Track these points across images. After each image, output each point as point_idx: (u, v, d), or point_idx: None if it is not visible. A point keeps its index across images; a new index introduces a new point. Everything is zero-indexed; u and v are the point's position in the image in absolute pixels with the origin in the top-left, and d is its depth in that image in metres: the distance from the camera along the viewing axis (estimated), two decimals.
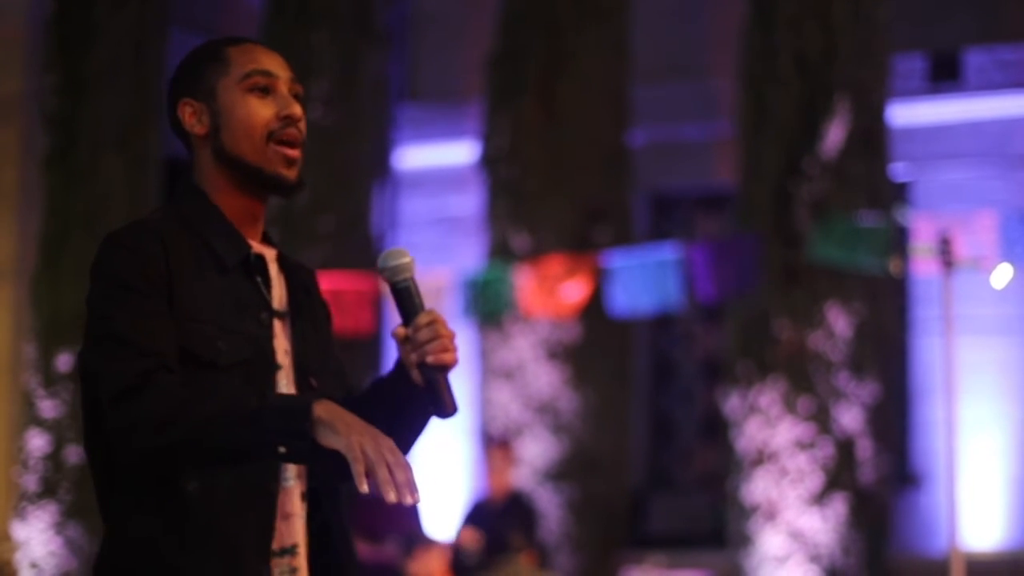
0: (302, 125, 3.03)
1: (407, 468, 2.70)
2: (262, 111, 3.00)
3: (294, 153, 3.01)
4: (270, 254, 3.06)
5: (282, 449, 2.74)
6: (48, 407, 12.33)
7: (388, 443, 2.72)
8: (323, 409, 2.74)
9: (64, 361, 12.31)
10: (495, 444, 11.08)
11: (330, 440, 2.72)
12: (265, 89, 3.02)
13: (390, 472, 2.68)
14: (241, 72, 3.02)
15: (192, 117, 3.03)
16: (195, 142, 3.04)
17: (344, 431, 2.71)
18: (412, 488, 2.69)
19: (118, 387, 2.78)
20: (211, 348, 2.89)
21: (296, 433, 2.73)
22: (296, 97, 3.05)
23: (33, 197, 12.73)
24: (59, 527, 12.24)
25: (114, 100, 12.63)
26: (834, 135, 11.34)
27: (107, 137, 12.58)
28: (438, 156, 14.55)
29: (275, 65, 3.05)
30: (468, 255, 13.23)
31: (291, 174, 3.01)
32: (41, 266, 12.54)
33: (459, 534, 10.54)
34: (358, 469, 2.68)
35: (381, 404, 3.01)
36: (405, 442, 3.04)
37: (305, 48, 12.81)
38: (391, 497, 2.67)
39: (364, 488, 2.67)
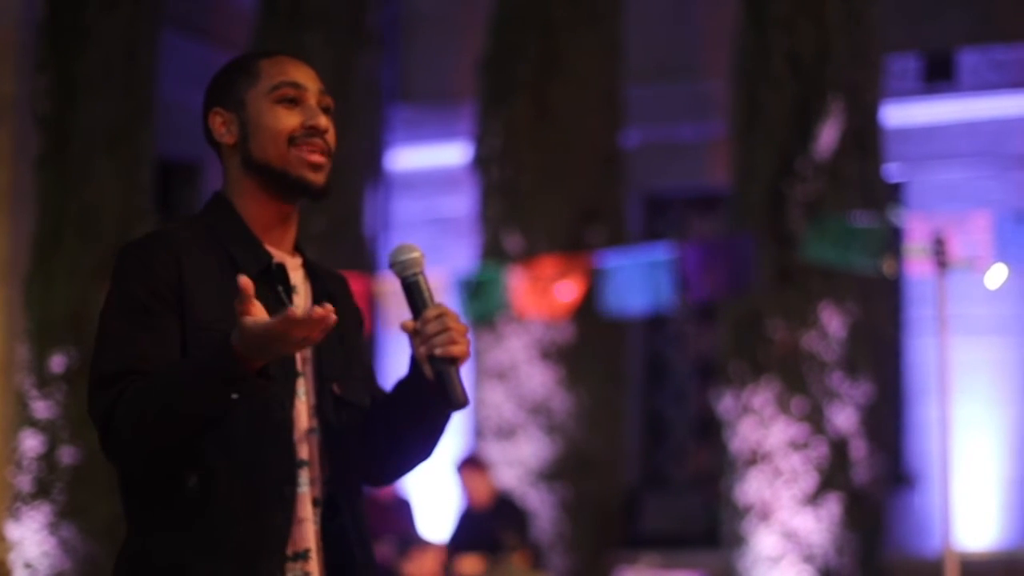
0: (329, 137, 3.07)
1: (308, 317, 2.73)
2: (288, 120, 3.04)
3: (318, 158, 3.04)
4: (294, 262, 3.09)
5: (235, 396, 2.80)
6: (41, 408, 12.31)
7: (297, 328, 2.74)
8: (240, 346, 2.77)
9: (57, 362, 12.28)
10: (463, 464, 10.93)
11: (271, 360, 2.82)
12: (293, 100, 3.06)
13: (311, 327, 2.74)
14: (270, 84, 3.06)
15: (222, 126, 3.07)
16: (224, 151, 3.09)
17: (269, 349, 2.77)
18: (316, 317, 2.72)
19: (101, 412, 2.88)
20: None
21: (236, 381, 2.79)
22: (325, 110, 3.09)
23: (26, 198, 12.72)
24: (53, 527, 12.22)
25: (106, 102, 12.61)
26: (827, 135, 11.34)
27: (99, 139, 12.56)
28: (431, 157, 14.55)
29: (305, 78, 3.11)
30: (461, 256, 13.21)
31: (317, 178, 3.04)
32: (34, 267, 12.52)
33: (461, 562, 10.41)
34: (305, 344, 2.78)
35: (405, 405, 3.04)
36: (431, 438, 3.08)
37: (297, 50, 12.78)
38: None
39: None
